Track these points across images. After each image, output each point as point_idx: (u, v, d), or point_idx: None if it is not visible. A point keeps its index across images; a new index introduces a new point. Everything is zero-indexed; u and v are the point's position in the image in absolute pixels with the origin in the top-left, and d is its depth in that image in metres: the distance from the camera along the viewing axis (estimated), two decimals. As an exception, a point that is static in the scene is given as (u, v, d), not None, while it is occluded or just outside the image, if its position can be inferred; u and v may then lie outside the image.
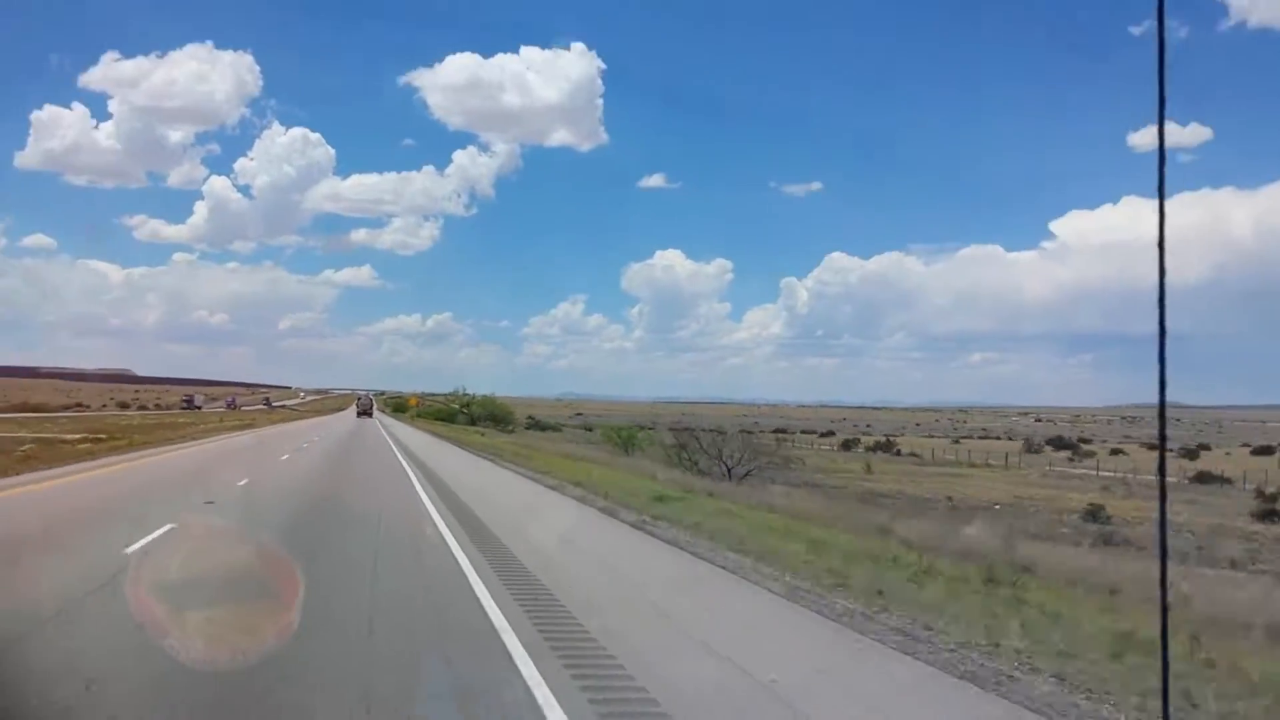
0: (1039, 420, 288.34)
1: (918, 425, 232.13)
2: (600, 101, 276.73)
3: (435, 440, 53.68)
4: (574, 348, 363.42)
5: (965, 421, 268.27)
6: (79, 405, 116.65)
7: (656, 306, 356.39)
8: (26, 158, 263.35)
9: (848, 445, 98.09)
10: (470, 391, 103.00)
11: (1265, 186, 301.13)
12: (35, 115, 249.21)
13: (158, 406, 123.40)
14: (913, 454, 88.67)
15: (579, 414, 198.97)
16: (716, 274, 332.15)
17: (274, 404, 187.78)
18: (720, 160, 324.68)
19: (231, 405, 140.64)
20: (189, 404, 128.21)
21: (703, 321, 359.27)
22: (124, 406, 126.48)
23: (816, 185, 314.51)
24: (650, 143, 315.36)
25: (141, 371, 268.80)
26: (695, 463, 39.01)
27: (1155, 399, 2.90)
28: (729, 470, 37.49)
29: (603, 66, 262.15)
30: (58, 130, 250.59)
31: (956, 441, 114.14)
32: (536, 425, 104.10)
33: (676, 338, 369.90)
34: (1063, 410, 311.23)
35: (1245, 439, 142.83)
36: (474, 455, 38.32)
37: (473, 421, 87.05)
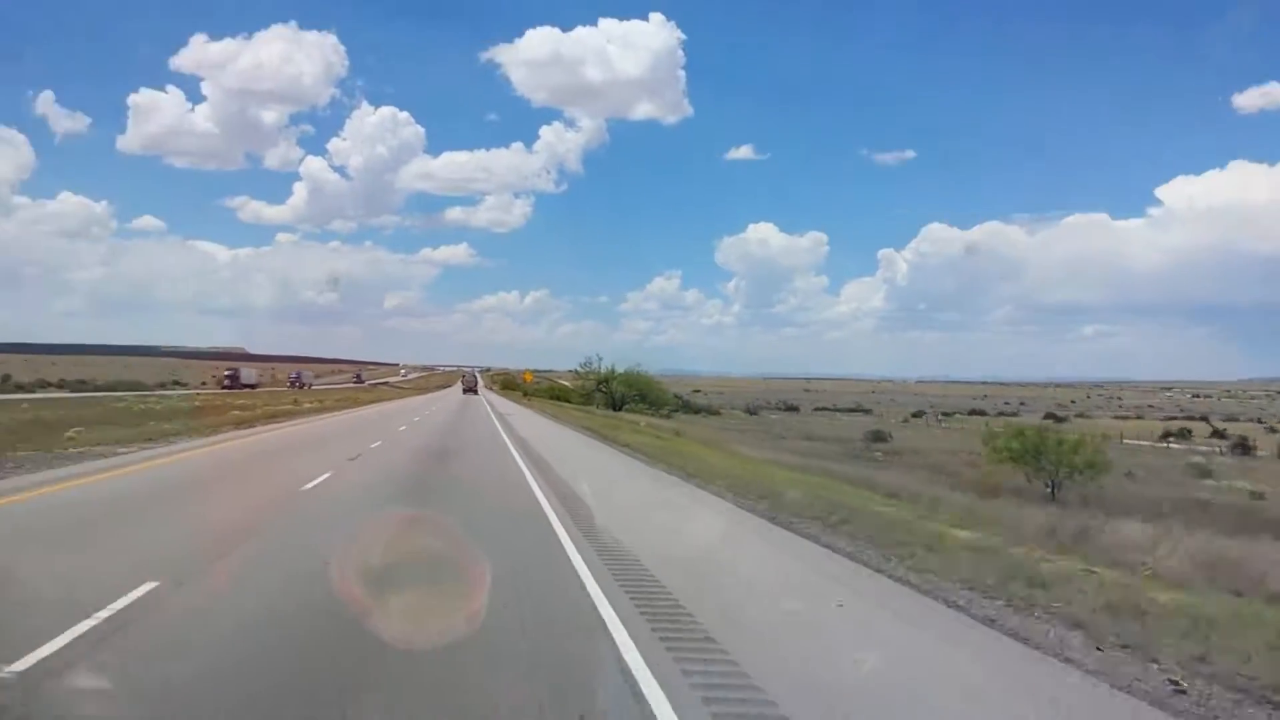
0: (1196, 396, 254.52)
1: (1073, 403, 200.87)
2: (682, 73, 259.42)
3: (615, 457, 25.88)
4: (672, 323, 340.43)
5: (1119, 399, 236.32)
6: (176, 383, 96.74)
7: (752, 281, 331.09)
8: (128, 141, 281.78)
9: (1167, 435, 68.29)
10: (606, 364, 71.90)
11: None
12: (132, 99, 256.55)
13: (203, 385, 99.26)
14: None
15: (697, 390, 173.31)
16: (811, 246, 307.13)
17: (366, 380, 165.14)
18: (809, 129, 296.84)
19: (298, 383, 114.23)
20: (233, 381, 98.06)
21: (800, 295, 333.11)
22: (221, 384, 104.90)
23: (910, 154, 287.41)
24: (736, 113, 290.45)
25: (255, 350, 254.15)
26: None
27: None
28: None
29: (682, 37, 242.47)
30: (155, 113, 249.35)
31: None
32: (685, 406, 77.91)
33: (774, 312, 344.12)
34: (1206, 385, 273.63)
35: None
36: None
37: (616, 405, 61.33)
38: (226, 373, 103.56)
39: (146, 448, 21.72)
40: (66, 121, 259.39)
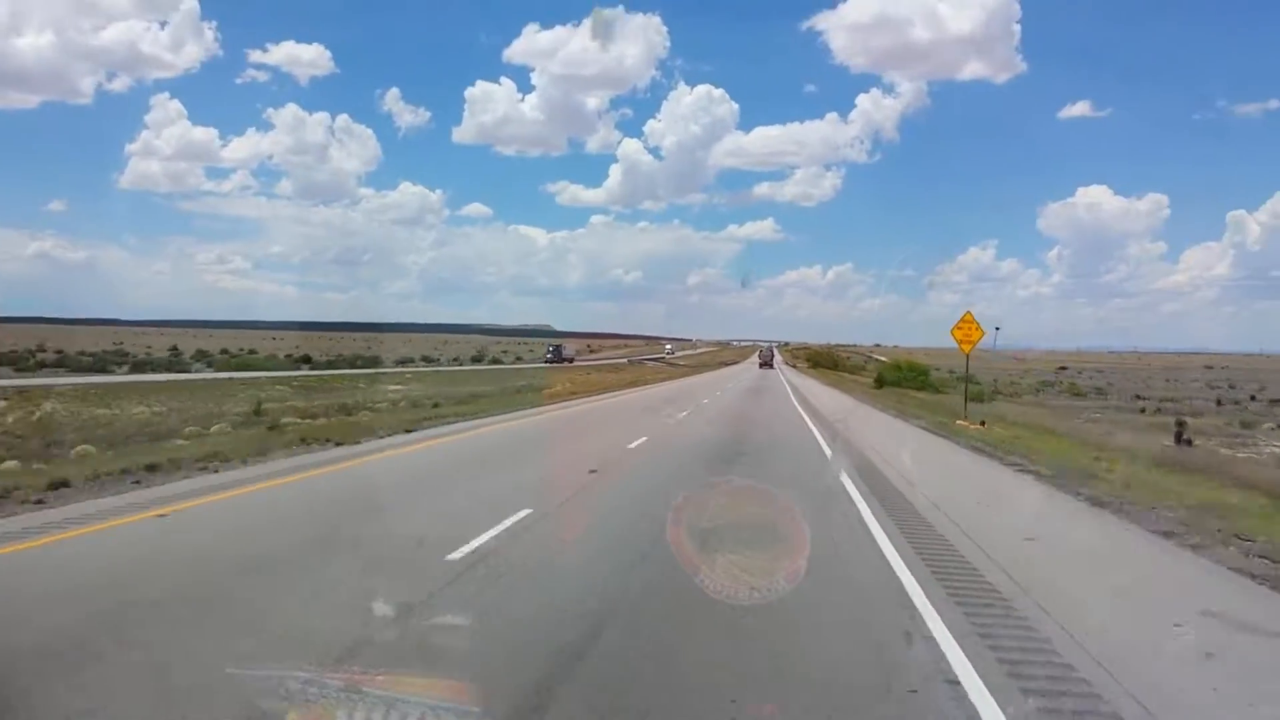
0: None
1: None
2: (1017, 27, 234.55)
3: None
4: (983, 295, 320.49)
5: None
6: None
7: (1078, 249, 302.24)
8: (463, 132, 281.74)
9: None
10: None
11: None
12: (469, 91, 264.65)
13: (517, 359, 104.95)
14: None
15: (1063, 368, 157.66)
16: (1149, 210, 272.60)
17: (579, 358, 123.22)
18: (1158, 79, 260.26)
19: None
20: (556, 356, 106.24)
21: (1132, 264, 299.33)
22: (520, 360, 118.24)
23: (1276, 103, 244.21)
24: (1075, 67, 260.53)
25: (560, 327, 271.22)
26: None
27: None
28: None
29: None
30: (489, 104, 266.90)
31: None
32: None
33: (1102, 282, 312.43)
34: None
35: None
36: None
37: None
38: (549, 348, 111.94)
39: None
40: (410, 116, 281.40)
